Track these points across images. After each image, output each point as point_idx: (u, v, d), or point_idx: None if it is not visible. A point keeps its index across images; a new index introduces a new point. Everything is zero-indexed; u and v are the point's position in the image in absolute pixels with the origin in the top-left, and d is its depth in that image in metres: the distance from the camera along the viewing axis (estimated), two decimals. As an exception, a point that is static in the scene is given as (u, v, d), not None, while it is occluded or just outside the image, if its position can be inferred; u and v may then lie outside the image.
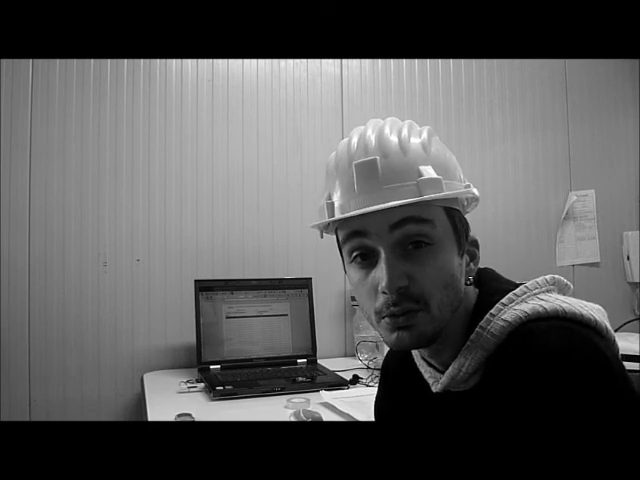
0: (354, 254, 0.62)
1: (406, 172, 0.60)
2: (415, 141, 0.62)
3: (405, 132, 0.63)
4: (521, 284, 0.64)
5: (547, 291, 0.64)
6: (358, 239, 0.61)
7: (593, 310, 0.60)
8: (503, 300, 0.62)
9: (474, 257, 0.67)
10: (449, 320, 0.61)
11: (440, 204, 0.61)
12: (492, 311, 0.62)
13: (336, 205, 0.63)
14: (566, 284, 0.67)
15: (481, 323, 0.62)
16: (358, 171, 0.61)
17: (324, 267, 1.86)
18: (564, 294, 0.65)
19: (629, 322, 1.66)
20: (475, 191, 0.65)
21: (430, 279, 0.59)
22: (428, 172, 0.60)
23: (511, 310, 0.61)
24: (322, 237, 0.72)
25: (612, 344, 0.59)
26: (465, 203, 0.67)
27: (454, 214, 0.63)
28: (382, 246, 0.60)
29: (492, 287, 0.66)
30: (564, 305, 0.59)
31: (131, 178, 1.70)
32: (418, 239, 0.59)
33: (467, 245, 0.65)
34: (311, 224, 0.69)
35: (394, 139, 0.62)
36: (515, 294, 0.62)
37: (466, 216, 0.67)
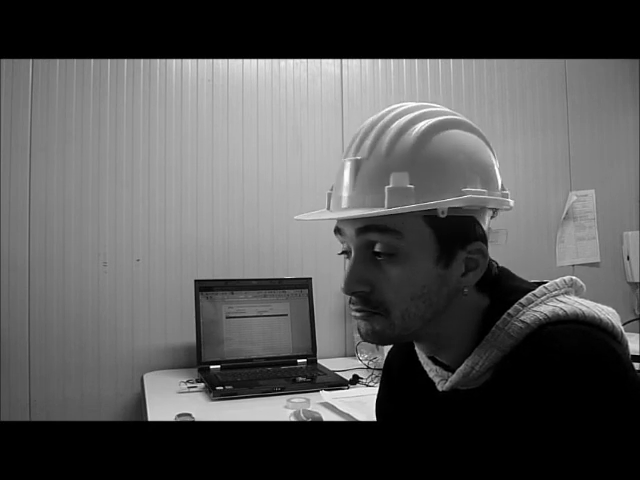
0: (341, 247, 0.65)
1: (380, 178, 0.58)
2: (407, 140, 0.58)
3: (402, 125, 0.59)
4: (540, 283, 0.63)
5: (565, 293, 0.63)
6: (339, 236, 0.64)
7: (609, 314, 0.60)
8: (522, 300, 0.61)
9: (476, 266, 0.61)
10: (420, 326, 0.61)
11: (417, 213, 0.57)
12: (510, 311, 0.60)
13: (331, 197, 0.66)
14: (581, 286, 0.66)
15: (498, 323, 0.60)
16: (345, 168, 0.62)
17: (324, 267, 1.86)
18: (579, 296, 0.65)
19: (629, 322, 1.65)
20: (508, 200, 0.63)
21: (393, 289, 0.59)
22: (398, 180, 0.57)
23: (530, 311, 0.59)
24: None
25: (625, 348, 0.59)
26: (453, 209, 0.58)
27: (440, 222, 0.58)
28: (352, 248, 0.62)
29: (508, 286, 0.64)
30: (583, 308, 0.58)
31: (131, 178, 1.70)
32: (379, 249, 0.59)
33: (466, 253, 0.61)
34: (296, 216, 0.70)
35: (388, 135, 0.59)
36: (535, 295, 0.61)
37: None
